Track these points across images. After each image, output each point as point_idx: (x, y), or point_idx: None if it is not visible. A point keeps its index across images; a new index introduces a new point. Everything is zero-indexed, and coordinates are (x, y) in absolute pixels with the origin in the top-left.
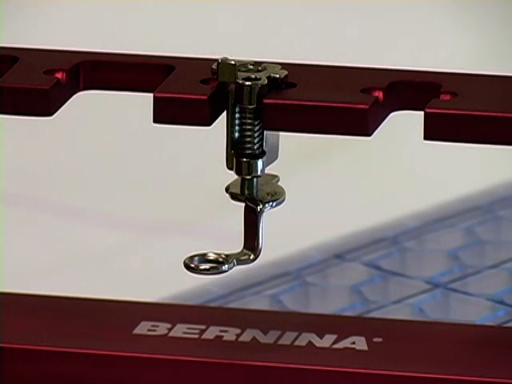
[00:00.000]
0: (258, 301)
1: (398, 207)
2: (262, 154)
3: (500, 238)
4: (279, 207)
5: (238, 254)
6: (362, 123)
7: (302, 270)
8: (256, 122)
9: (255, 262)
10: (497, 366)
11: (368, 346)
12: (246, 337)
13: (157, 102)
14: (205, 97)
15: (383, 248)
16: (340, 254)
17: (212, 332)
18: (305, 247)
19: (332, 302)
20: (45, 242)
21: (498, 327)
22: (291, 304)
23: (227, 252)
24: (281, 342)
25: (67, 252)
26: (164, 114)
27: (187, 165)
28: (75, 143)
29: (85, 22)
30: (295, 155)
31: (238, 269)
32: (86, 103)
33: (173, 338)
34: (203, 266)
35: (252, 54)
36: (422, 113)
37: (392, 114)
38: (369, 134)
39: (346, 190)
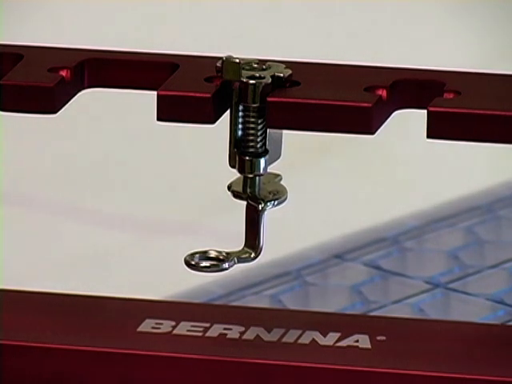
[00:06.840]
0: (258, 301)
1: (398, 207)
2: (265, 152)
3: (500, 238)
4: (280, 207)
5: (239, 252)
6: (365, 121)
7: (302, 270)
8: (259, 121)
9: (256, 262)
10: (502, 364)
11: (371, 344)
12: (250, 335)
13: (160, 99)
14: (208, 95)
15: (383, 248)
16: (340, 254)
17: (216, 330)
18: (305, 247)
19: (332, 301)
20: (45, 242)
21: (501, 326)
22: (291, 304)
23: (228, 250)
24: (284, 339)
25: (68, 252)
26: (167, 112)
27: (189, 163)
28: (78, 141)
29: (89, 20)
30: (295, 155)
31: (238, 269)
32: (89, 101)
33: (177, 335)
34: (204, 264)
35: (256, 52)
36: (424, 111)
37: (394, 113)
38: (372, 133)
39: (346, 190)
